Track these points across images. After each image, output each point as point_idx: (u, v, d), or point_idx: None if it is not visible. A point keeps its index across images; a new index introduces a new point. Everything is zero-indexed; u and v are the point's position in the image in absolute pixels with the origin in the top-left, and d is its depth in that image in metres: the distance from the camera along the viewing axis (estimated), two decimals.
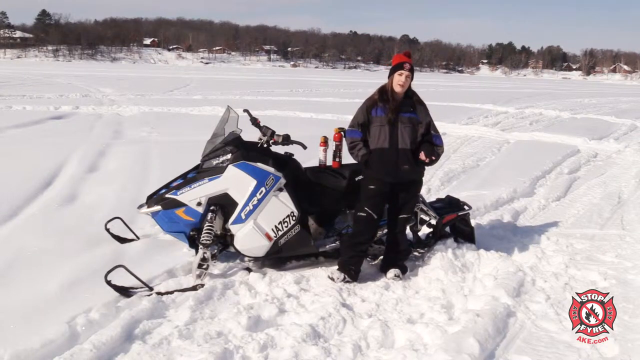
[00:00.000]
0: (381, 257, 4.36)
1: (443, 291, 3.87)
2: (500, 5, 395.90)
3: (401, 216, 4.13)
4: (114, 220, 4.65)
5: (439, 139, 4.11)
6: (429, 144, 4.03)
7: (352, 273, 4.02)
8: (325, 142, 4.47)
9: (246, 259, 4.25)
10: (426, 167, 4.16)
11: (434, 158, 3.98)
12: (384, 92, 4.01)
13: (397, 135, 3.94)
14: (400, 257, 4.21)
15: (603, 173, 8.85)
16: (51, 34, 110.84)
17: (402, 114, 3.96)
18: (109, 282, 3.54)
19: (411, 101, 4.04)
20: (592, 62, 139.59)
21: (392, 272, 4.08)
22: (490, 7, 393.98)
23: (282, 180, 4.06)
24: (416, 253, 4.63)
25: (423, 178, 4.28)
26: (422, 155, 3.95)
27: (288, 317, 3.43)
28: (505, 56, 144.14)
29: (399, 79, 3.93)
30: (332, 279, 3.97)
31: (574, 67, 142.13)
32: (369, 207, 4.02)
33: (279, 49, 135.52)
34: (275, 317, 3.40)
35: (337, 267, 4.07)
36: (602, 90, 45.74)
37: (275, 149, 4.22)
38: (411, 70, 3.95)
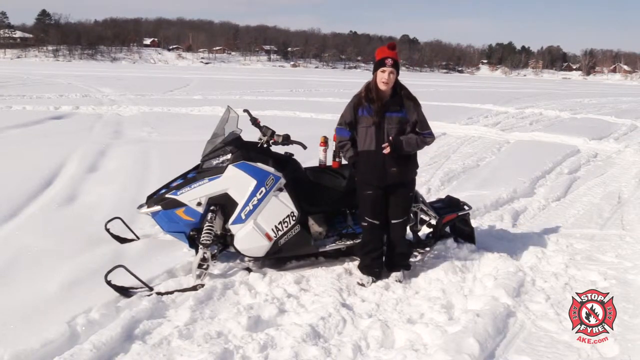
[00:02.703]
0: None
1: (443, 291, 3.86)
2: (500, 5, 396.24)
3: (396, 221, 4.01)
4: (114, 220, 4.66)
5: (428, 136, 3.88)
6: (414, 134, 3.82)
7: (377, 272, 4.06)
8: (325, 142, 4.47)
9: (246, 259, 4.25)
10: (423, 167, 4.13)
11: (394, 144, 3.71)
12: (369, 91, 3.80)
13: (383, 137, 3.77)
14: (402, 259, 4.17)
15: (603, 173, 8.85)
16: (51, 34, 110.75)
17: (388, 114, 3.76)
18: (109, 282, 3.54)
19: (399, 98, 3.80)
20: (592, 62, 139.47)
21: (393, 277, 4.05)
22: (490, 7, 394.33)
23: (282, 180, 4.06)
24: (416, 253, 4.62)
25: (417, 178, 4.18)
26: (386, 147, 3.73)
27: (288, 317, 3.43)
28: (505, 56, 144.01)
29: (382, 77, 3.71)
30: (362, 284, 3.95)
31: (574, 67, 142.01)
32: (368, 215, 3.98)
33: (279, 49, 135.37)
34: (275, 317, 3.40)
35: (360, 271, 4.08)
36: (602, 90, 45.72)
37: (275, 149, 4.22)
38: (394, 66, 3.70)
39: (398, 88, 3.83)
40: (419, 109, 3.85)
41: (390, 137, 3.76)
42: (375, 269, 4.06)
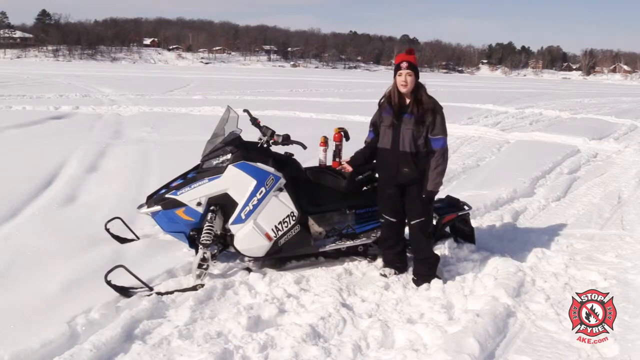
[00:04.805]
0: (380, 257, 4.36)
1: (443, 291, 3.86)
2: (500, 5, 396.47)
3: (412, 222, 4.00)
4: (114, 220, 4.65)
5: (438, 142, 3.85)
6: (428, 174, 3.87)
7: (400, 266, 4.20)
8: (325, 142, 4.48)
9: (246, 259, 4.25)
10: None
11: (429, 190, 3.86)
12: (391, 94, 3.93)
13: (398, 138, 3.86)
14: (424, 267, 4.05)
15: (603, 173, 8.85)
16: (51, 34, 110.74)
17: (405, 115, 3.85)
18: (109, 282, 3.54)
19: (418, 101, 3.85)
20: (592, 62, 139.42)
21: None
22: (490, 7, 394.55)
23: (282, 180, 4.06)
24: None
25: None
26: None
27: (288, 317, 3.43)
28: (505, 56, 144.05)
29: (399, 80, 3.84)
30: (384, 275, 4.11)
31: (574, 67, 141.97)
32: (385, 212, 4.11)
33: (279, 49, 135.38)
34: (275, 317, 3.40)
35: (383, 263, 4.24)
36: (602, 90, 45.74)
37: (275, 149, 4.22)
38: (410, 68, 3.80)
39: (419, 91, 3.87)
40: (435, 112, 3.84)
41: (424, 194, 3.87)
42: (397, 263, 4.18)
